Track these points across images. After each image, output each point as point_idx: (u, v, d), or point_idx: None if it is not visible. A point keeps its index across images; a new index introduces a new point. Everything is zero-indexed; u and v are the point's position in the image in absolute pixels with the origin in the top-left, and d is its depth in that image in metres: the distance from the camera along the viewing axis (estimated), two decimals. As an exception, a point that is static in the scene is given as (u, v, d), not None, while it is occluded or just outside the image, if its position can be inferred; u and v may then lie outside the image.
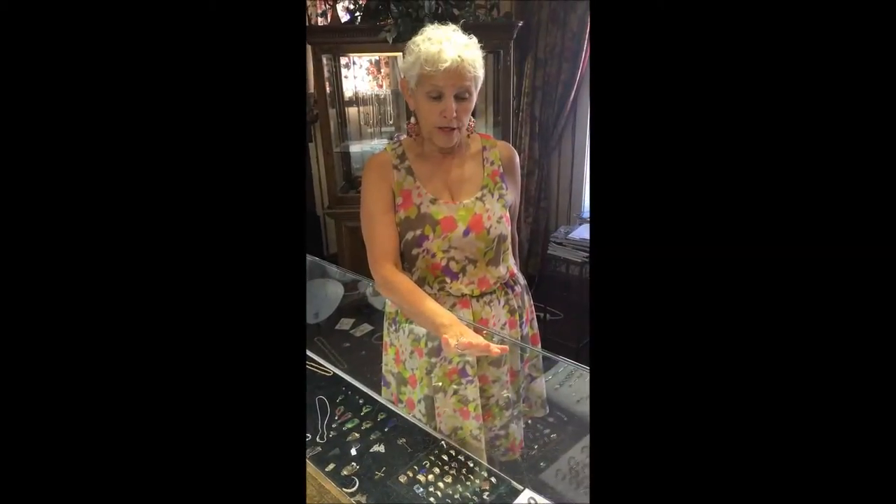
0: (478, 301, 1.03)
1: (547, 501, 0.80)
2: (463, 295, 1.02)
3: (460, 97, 0.91)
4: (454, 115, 0.91)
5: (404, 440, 0.95)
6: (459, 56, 0.87)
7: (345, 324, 1.79)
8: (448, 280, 1.01)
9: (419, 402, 1.08)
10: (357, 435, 0.97)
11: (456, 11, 2.11)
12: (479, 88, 0.94)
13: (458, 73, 0.88)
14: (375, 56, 2.52)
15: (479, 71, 0.92)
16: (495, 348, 0.77)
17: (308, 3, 2.49)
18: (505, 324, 1.07)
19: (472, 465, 0.88)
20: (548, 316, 2.46)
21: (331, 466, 0.89)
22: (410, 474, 0.87)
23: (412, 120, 1.02)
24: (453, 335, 0.79)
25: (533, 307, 1.17)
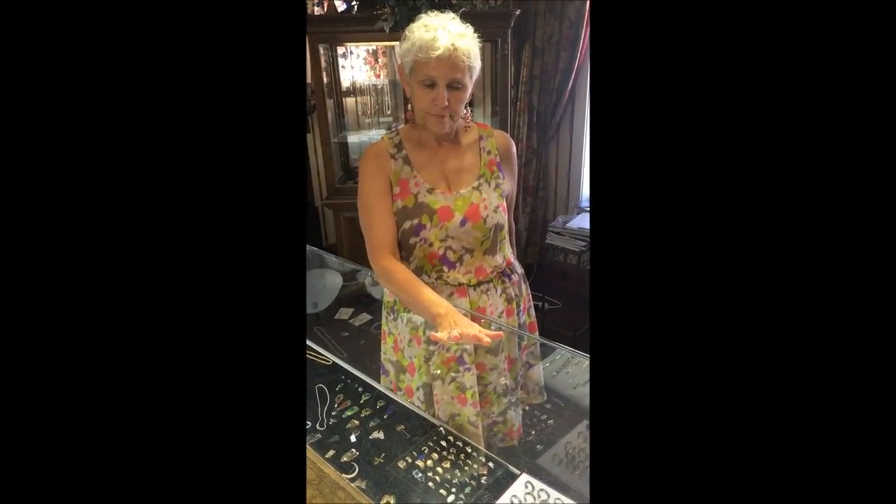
0: (475, 290, 1.04)
1: (544, 485, 0.81)
2: (460, 284, 1.03)
3: (453, 86, 0.90)
4: (445, 103, 0.91)
5: (403, 427, 0.96)
6: (453, 44, 0.87)
7: (344, 313, 1.79)
8: (445, 269, 1.02)
9: (418, 389, 1.08)
10: (356, 422, 0.97)
11: (453, 0, 2.09)
12: (474, 79, 0.93)
13: (450, 61, 0.87)
14: (373, 45, 2.49)
15: (475, 61, 0.91)
16: (486, 338, 0.76)
17: (304, -9, 2.46)
18: (502, 312, 1.08)
19: (470, 450, 0.89)
20: (546, 305, 2.47)
21: (331, 453, 0.90)
22: (409, 460, 0.87)
23: (409, 107, 1.02)
24: (447, 326, 0.79)
25: (530, 296, 1.18)
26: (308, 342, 1.23)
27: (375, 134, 2.50)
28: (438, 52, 0.86)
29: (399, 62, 0.96)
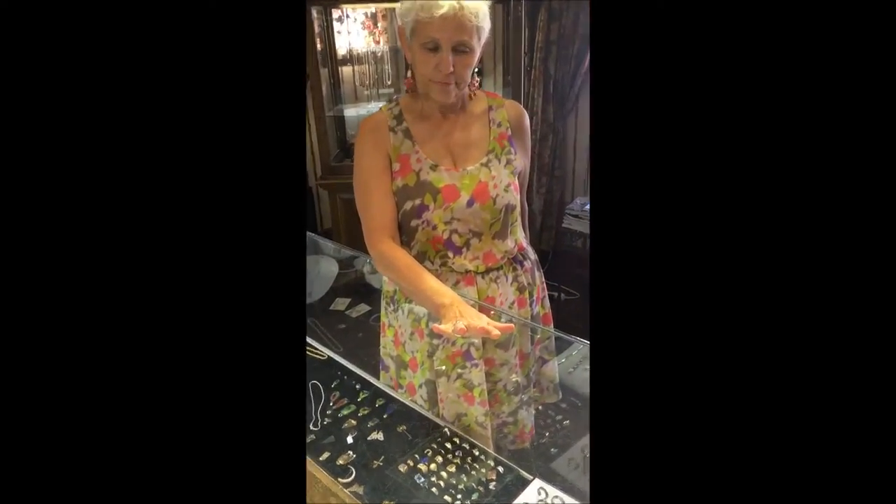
0: (483, 278, 1.00)
1: (558, 492, 0.77)
2: (467, 271, 0.99)
3: (459, 50, 0.85)
4: (451, 69, 0.86)
5: (404, 427, 0.93)
6: (459, 3, 0.81)
7: (340, 304, 1.76)
8: (451, 254, 0.98)
9: (420, 386, 1.06)
10: (354, 422, 0.95)
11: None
12: (483, 42, 0.89)
13: (456, 21, 0.82)
14: (371, 8, 2.40)
15: (483, 22, 0.86)
16: (495, 331, 0.73)
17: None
18: (513, 302, 1.04)
19: (477, 453, 0.86)
20: (562, 295, 2.41)
21: (325, 455, 0.87)
22: (411, 463, 0.84)
23: (409, 73, 0.97)
24: (452, 317, 0.76)
25: (545, 284, 1.15)
26: (303, 333, 1.21)
27: (374, 107, 2.44)
28: (442, 11, 0.81)
29: (399, 23, 0.90)
